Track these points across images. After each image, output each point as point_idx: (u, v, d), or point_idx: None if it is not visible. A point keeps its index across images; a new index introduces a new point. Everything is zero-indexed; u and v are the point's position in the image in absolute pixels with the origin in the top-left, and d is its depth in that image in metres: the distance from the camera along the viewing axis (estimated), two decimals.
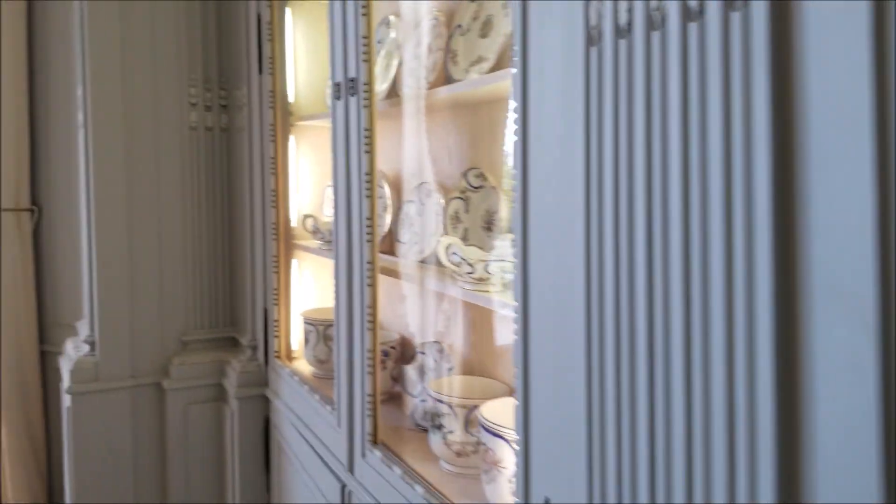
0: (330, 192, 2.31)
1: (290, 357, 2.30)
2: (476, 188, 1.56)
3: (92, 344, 2.46)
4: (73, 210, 2.89)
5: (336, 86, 1.68)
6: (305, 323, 2.16)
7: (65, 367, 2.61)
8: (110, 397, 2.44)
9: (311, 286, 2.39)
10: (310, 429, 1.98)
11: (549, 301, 0.95)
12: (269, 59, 2.20)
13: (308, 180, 2.38)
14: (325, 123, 2.26)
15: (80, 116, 2.54)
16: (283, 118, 2.23)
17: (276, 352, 2.28)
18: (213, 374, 2.49)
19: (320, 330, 2.11)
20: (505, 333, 1.51)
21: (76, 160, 2.80)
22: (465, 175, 1.62)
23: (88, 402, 2.43)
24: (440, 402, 1.44)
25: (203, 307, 2.54)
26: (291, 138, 2.29)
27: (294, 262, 2.32)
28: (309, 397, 1.98)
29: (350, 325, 1.67)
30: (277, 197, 2.23)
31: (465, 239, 1.57)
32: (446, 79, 1.63)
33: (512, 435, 1.19)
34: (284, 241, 2.26)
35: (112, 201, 2.42)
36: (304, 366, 2.24)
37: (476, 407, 1.39)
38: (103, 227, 2.42)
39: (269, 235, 2.25)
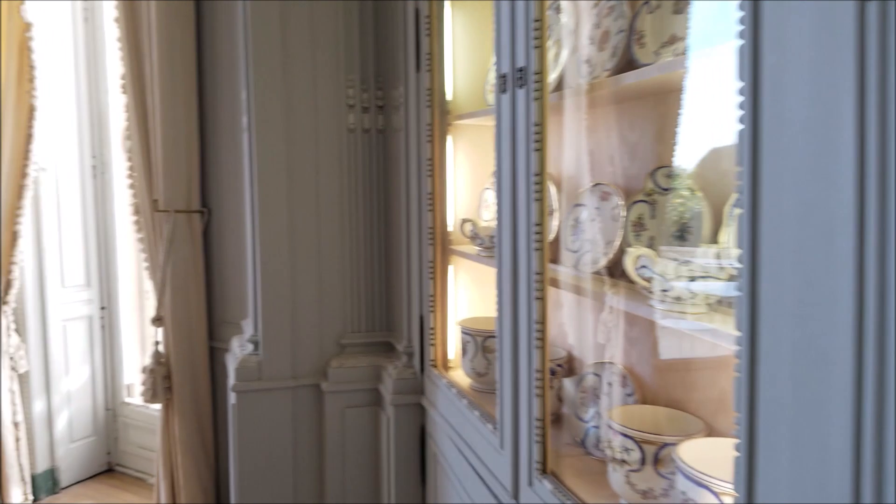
0: (488, 194, 2.18)
1: (446, 366, 2.20)
2: (665, 190, 1.36)
3: (256, 343, 2.51)
4: (239, 212, 2.98)
5: (502, 78, 1.54)
6: (463, 332, 2.05)
7: (231, 364, 2.69)
8: (273, 396, 2.48)
9: (468, 293, 2.28)
10: (468, 445, 1.86)
11: (788, 333, 0.75)
12: (427, 55, 2.11)
13: (464, 182, 2.27)
14: (484, 121, 2.14)
15: (245, 120, 2.59)
16: (440, 117, 2.13)
17: (432, 360, 2.19)
18: (369, 378, 2.45)
19: (479, 341, 1.99)
20: (705, 362, 1.29)
21: (242, 163, 2.88)
22: (651, 175, 1.42)
23: (252, 401, 2.48)
24: (624, 435, 1.25)
25: (360, 311, 2.51)
26: (448, 138, 2.18)
27: (450, 268, 2.21)
28: (468, 412, 1.86)
29: (515, 340, 1.52)
30: (434, 200, 2.13)
31: (650, 248, 1.38)
32: (629, 64, 1.43)
33: (721, 487, 0.99)
34: (441, 247, 2.16)
35: (274, 203, 2.45)
36: (460, 376, 2.13)
37: (669, 445, 1.19)
38: (266, 229, 2.46)
39: (426, 240, 2.16)
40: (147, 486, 3.89)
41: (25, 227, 3.53)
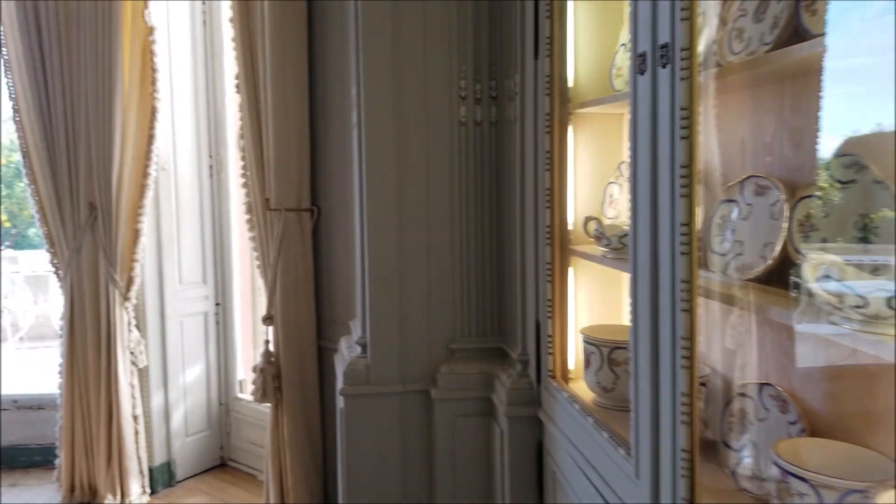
0: (613, 189, 1.99)
1: (566, 378, 2.03)
2: (845, 183, 1.13)
3: (364, 346, 2.43)
4: (348, 210, 2.93)
5: (639, 57, 1.35)
6: (586, 342, 1.87)
7: (339, 366, 2.63)
8: (381, 401, 2.39)
9: (589, 298, 2.09)
10: (594, 468, 1.68)
11: None
12: (547, 40, 1.94)
13: (585, 177, 2.08)
14: (609, 109, 1.96)
15: (355, 116, 2.52)
16: (560, 106, 1.96)
17: (551, 371, 2.02)
18: (480, 386, 2.32)
19: (604, 352, 1.80)
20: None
21: (351, 160, 2.82)
22: (827, 165, 1.20)
23: (360, 405, 2.40)
24: (796, 476, 1.05)
25: (470, 314, 2.38)
26: (569, 129, 2.01)
27: (570, 271, 2.04)
28: (594, 433, 1.68)
29: (655, 357, 1.34)
30: (553, 196, 1.96)
31: (822, 251, 1.15)
32: (795, 36, 1.21)
33: None
34: (560, 247, 1.99)
35: (383, 201, 2.36)
36: (582, 389, 1.95)
37: (855, 492, 0.98)
38: (374, 228, 2.37)
39: (543, 240, 1.99)
40: (258, 482, 3.93)
41: (146, 225, 3.65)
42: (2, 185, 11.37)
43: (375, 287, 2.38)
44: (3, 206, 11.53)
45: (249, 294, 4.16)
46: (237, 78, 3.16)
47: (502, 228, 2.35)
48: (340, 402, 2.46)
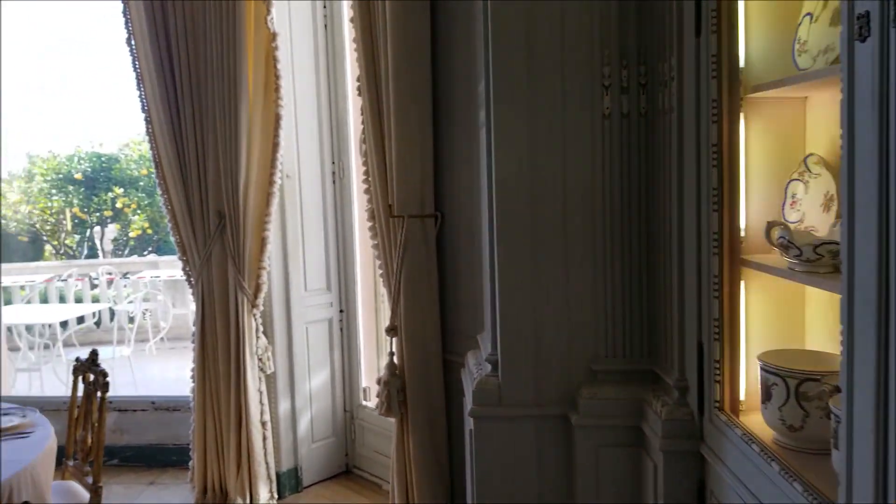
0: (796, 187, 1.67)
1: (736, 411, 1.73)
2: None
3: (494, 363, 2.24)
4: (475, 216, 2.75)
5: (860, 18, 1.06)
6: (766, 371, 1.57)
7: (467, 384, 2.45)
8: (514, 425, 2.19)
9: (766, 319, 1.77)
10: None
11: None
12: (713, 13, 1.66)
13: (759, 174, 1.77)
14: (792, 92, 1.64)
15: (482, 114, 2.33)
16: (730, 91, 1.67)
17: (717, 402, 1.73)
18: (628, 413, 2.06)
19: (791, 384, 1.50)
20: None
21: (478, 163, 2.64)
22: None
23: (491, 428, 2.21)
24: None
25: (615, 332, 2.12)
26: (740, 117, 1.71)
27: (741, 284, 1.74)
28: (782, 482, 1.39)
29: (881, 401, 1.04)
30: (721, 197, 1.67)
31: None
32: None
33: None
34: (730, 257, 1.69)
35: (514, 204, 2.16)
36: (757, 424, 1.65)
37: None
38: (505, 236, 2.17)
39: (709, 248, 1.71)
40: (382, 491, 3.85)
41: (272, 233, 3.64)
42: (142, 195, 12.19)
43: (506, 299, 2.17)
44: (145, 215, 12.39)
45: (372, 301, 4.08)
46: (359, 80, 3.06)
47: (654, 234, 2.07)
48: (470, 423, 2.28)
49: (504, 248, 2.16)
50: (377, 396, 2.97)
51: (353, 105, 3.88)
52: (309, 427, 3.98)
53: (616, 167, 2.08)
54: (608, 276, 2.11)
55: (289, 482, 3.89)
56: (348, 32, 3.73)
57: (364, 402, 4.07)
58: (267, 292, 3.71)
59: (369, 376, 4.09)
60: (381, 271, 3.10)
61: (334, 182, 4.01)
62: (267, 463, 3.69)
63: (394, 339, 2.98)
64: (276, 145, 3.56)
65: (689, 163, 1.80)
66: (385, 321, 3.70)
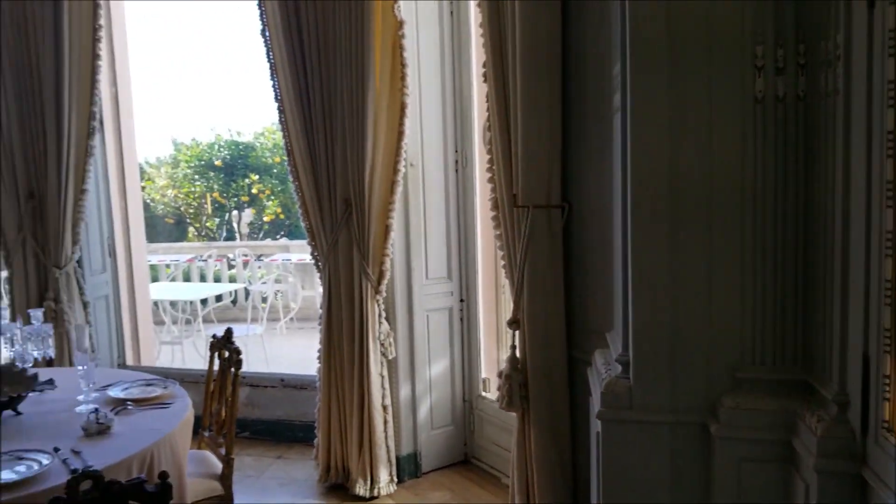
0: None
1: None
2: None
3: (625, 364, 2.12)
4: (605, 207, 2.62)
5: None
6: None
7: (594, 384, 2.35)
8: (646, 431, 2.06)
9: None
10: None
11: None
12: None
13: None
14: None
15: (618, 99, 2.20)
16: None
17: (886, 422, 1.53)
18: (777, 427, 1.88)
19: None
20: None
21: (610, 151, 2.51)
22: None
23: (621, 432, 2.10)
24: None
25: (764, 337, 1.93)
26: None
27: None
28: None
29: None
30: None
31: None
32: None
33: None
34: None
35: (652, 196, 2.02)
36: None
37: None
38: (640, 229, 2.04)
39: (882, 249, 1.51)
40: (501, 485, 3.81)
41: (396, 221, 3.67)
42: (274, 181, 12.79)
43: (641, 297, 2.04)
44: (278, 200, 13.00)
45: (493, 292, 4.03)
46: (484, 66, 3.00)
47: (813, 231, 1.86)
48: (597, 425, 2.18)
49: (639, 242, 2.03)
50: (498, 389, 2.92)
51: (478, 92, 3.82)
52: (428, 414, 4.01)
53: (769, 155, 1.89)
54: (758, 274, 1.93)
55: (408, 467, 3.94)
56: (474, 18, 3.67)
57: (483, 394, 4.04)
58: (389, 279, 3.75)
59: (489, 367, 4.05)
60: (503, 262, 3.04)
61: (457, 171, 3.98)
62: (387, 446, 3.75)
63: (516, 333, 2.91)
64: (400, 134, 3.57)
65: (857, 152, 1.59)
66: (506, 313, 3.64)
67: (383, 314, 3.74)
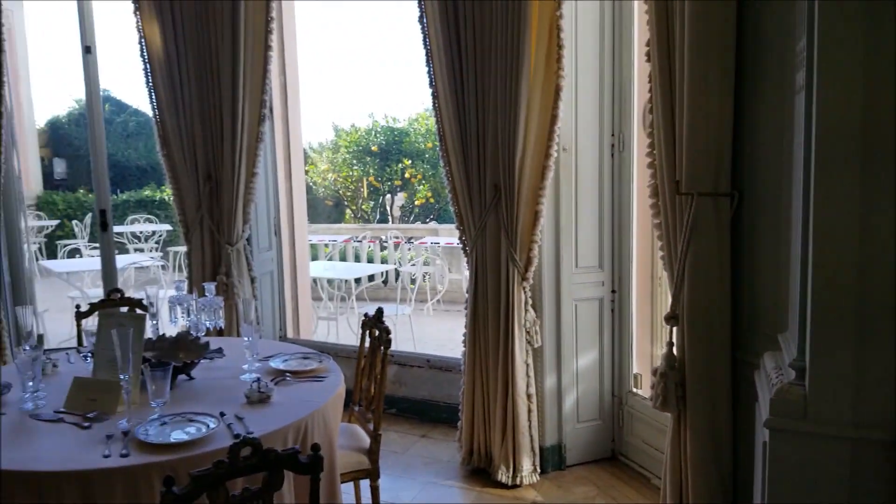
0: None
1: None
2: None
3: (801, 370, 1.91)
4: (781, 196, 2.38)
5: None
6: None
7: (762, 389, 2.14)
8: (822, 446, 1.85)
9: None
10: None
11: None
12: None
13: None
14: None
15: (801, 76, 1.98)
16: None
17: None
18: None
19: None
20: None
21: (790, 134, 2.27)
22: None
23: (792, 445, 1.90)
24: None
25: None
26: None
27: None
28: None
29: None
30: None
31: None
32: None
33: None
34: None
35: (840, 184, 1.80)
36: None
37: None
38: (824, 222, 1.82)
39: None
40: (651, 486, 3.64)
41: (545, 207, 3.58)
42: (427, 166, 13.06)
43: (822, 297, 1.83)
44: (429, 185, 13.28)
45: (648, 284, 3.83)
46: (647, 45, 2.82)
47: None
48: (764, 434, 1.99)
49: (821, 238, 1.82)
50: (651, 388, 2.76)
51: (639, 73, 3.63)
52: (574, 406, 3.90)
53: None
54: None
55: (552, 458, 3.86)
56: None
57: (634, 390, 3.87)
58: (537, 266, 3.67)
59: (641, 363, 3.87)
60: (661, 253, 2.86)
61: (613, 155, 3.82)
62: (531, 436, 3.69)
63: (674, 329, 2.74)
64: (554, 117, 3.47)
65: None
66: (663, 307, 3.45)
67: (530, 302, 3.67)
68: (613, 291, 3.90)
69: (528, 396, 3.68)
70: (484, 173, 3.62)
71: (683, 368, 2.69)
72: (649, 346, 3.83)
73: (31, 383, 2.42)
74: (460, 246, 3.89)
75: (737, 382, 2.65)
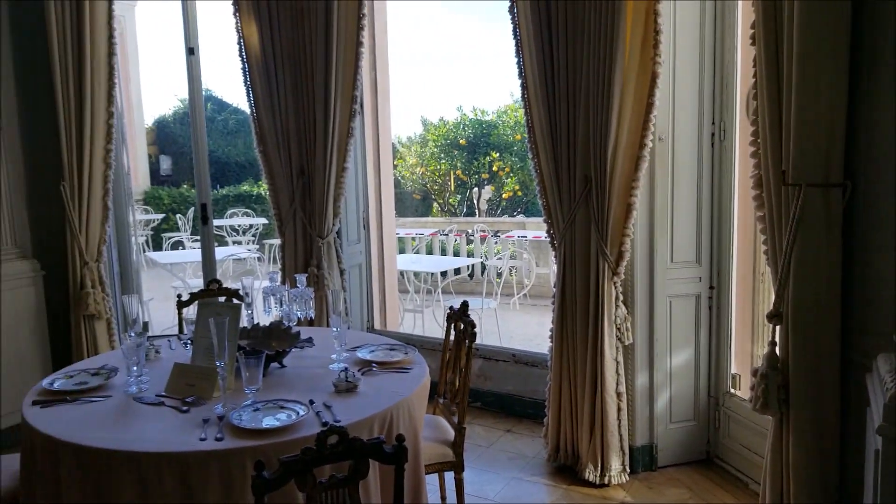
0: None
1: None
2: None
3: None
4: None
5: None
6: None
7: (875, 394, 1.98)
8: None
9: None
10: None
11: None
12: None
13: None
14: None
15: None
16: None
17: None
18: None
19: None
20: None
21: None
22: None
23: None
24: None
25: None
26: None
27: None
28: None
29: None
30: None
31: None
32: None
33: None
34: None
35: None
36: None
37: None
38: None
39: None
40: (749, 491, 3.47)
41: (639, 199, 3.45)
42: (515, 159, 12.97)
43: None
44: (516, 178, 13.18)
45: (749, 280, 3.64)
46: (753, 27, 2.65)
47: None
48: (877, 442, 1.84)
49: None
50: (751, 389, 2.61)
51: (743, 56, 3.44)
52: (667, 406, 3.76)
53: None
54: None
55: (642, 458, 3.74)
56: None
57: (732, 391, 3.69)
58: (629, 261, 3.56)
59: (740, 363, 3.68)
60: (764, 247, 2.69)
61: (713, 144, 3.64)
62: (620, 434, 3.59)
63: (777, 328, 2.57)
64: (649, 105, 3.33)
65: None
66: (765, 304, 3.26)
67: (620, 297, 3.56)
68: (712, 287, 3.73)
69: (618, 394, 3.58)
70: (574, 165, 3.53)
71: (787, 369, 2.53)
72: (749, 345, 3.64)
73: (135, 368, 2.54)
74: (548, 239, 3.82)
75: (846, 385, 2.47)
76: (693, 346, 3.76)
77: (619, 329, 3.56)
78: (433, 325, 7.18)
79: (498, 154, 13.25)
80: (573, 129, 3.50)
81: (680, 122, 3.58)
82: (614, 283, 3.52)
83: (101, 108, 4.38)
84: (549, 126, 3.55)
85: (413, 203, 14.91)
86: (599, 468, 3.58)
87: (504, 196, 13.58)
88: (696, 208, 3.67)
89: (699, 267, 3.72)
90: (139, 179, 13.79)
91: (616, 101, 3.28)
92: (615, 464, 3.58)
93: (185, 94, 4.91)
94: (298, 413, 2.26)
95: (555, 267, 3.85)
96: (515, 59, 3.65)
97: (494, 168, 13.29)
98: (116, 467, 2.02)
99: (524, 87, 3.65)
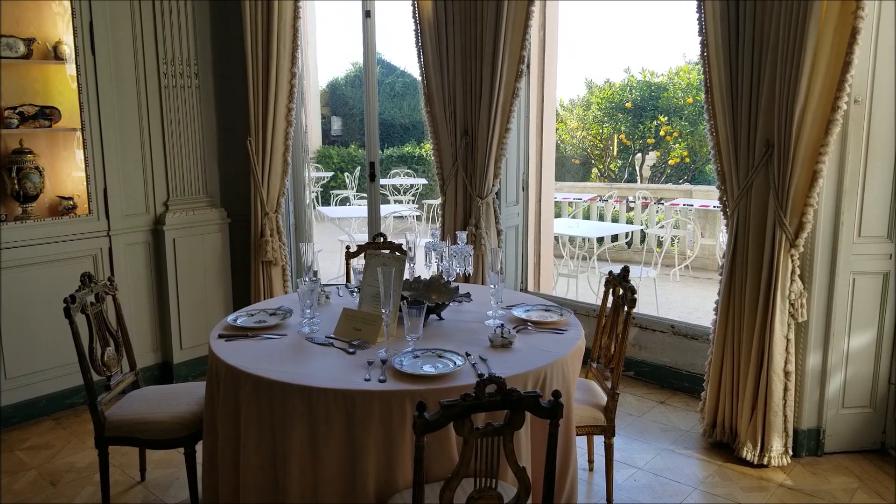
0: None
1: None
2: None
3: None
4: None
5: None
6: None
7: None
8: None
9: None
10: None
11: None
12: None
13: None
14: None
15: None
16: None
17: None
18: None
19: None
20: None
21: None
22: None
23: None
24: None
25: None
26: None
27: None
28: None
29: None
30: None
31: None
32: None
33: None
34: None
35: None
36: None
37: None
38: None
39: None
40: None
41: (827, 166, 3.17)
42: (686, 123, 12.28)
43: None
44: (685, 143, 12.50)
45: None
46: None
47: None
48: None
49: None
50: None
51: None
52: (840, 390, 3.49)
53: None
54: None
55: (807, 443, 3.51)
56: None
57: None
58: (810, 232, 3.29)
59: None
60: None
61: None
62: (785, 415, 3.39)
63: None
64: (846, 64, 3.02)
65: None
66: None
67: (797, 271, 3.31)
68: None
69: (786, 374, 3.36)
70: (754, 128, 3.30)
71: None
72: None
73: (308, 311, 2.76)
74: (718, 208, 3.62)
75: None
76: (875, 329, 3.44)
77: (792, 305, 3.32)
78: (587, 291, 7.09)
79: (666, 118, 12.61)
80: (756, 89, 3.26)
81: (881, 83, 3.22)
82: (791, 256, 3.28)
83: (286, 69, 4.70)
84: (730, 86, 3.33)
85: (572, 168, 14.65)
86: (759, 448, 3.41)
87: (670, 162, 12.94)
88: (894, 179, 3.30)
89: (890, 243, 3.37)
90: (312, 139, 14.68)
91: (808, 59, 3.01)
92: (776, 445, 3.39)
93: (357, 59, 5.14)
94: (455, 363, 2.35)
95: (723, 237, 3.65)
96: (697, 15, 3.44)
97: (662, 133, 12.68)
98: (289, 398, 2.22)
99: (704, 44, 3.44)
